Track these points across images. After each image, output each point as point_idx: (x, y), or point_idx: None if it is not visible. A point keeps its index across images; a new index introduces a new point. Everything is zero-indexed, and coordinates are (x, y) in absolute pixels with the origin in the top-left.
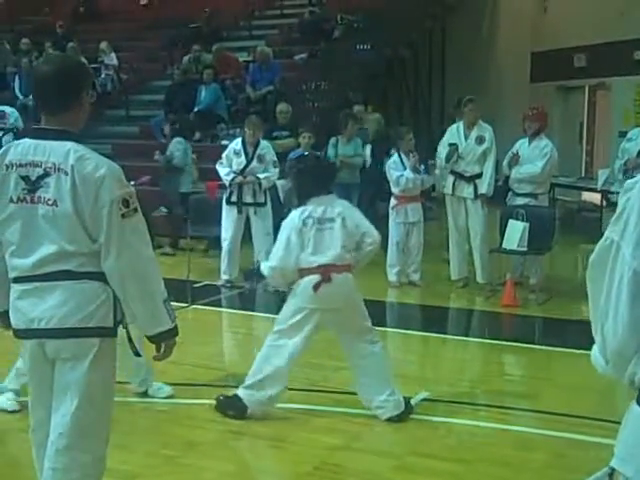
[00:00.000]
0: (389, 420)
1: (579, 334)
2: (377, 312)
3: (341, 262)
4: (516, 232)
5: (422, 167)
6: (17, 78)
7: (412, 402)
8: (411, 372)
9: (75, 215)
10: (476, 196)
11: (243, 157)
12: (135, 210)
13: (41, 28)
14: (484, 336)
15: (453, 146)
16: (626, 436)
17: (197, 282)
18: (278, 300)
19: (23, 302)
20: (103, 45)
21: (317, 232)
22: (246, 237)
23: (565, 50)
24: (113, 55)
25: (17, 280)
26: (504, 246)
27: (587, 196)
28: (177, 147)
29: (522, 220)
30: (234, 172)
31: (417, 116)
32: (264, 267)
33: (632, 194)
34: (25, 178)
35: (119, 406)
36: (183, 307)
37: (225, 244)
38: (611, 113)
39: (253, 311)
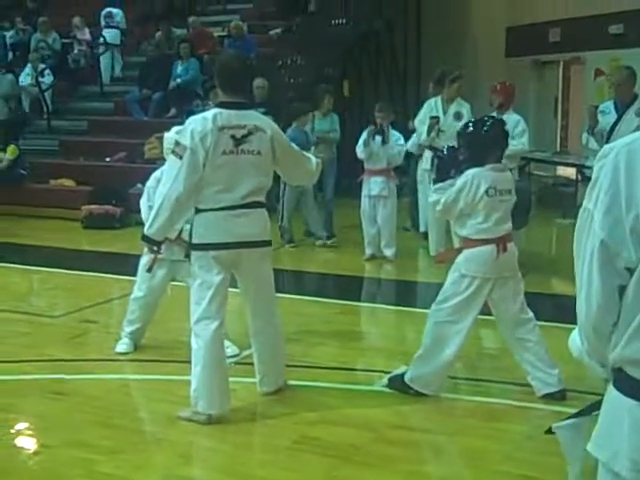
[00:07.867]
0: (549, 396)
1: (553, 308)
2: (350, 287)
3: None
4: None
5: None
6: None
7: (389, 377)
8: (392, 346)
9: (272, 158)
10: None
11: None
12: None
13: (11, 2)
14: None
15: (434, 119)
16: (602, 421)
17: None
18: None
19: (231, 224)
20: (76, 20)
21: (499, 203)
22: None
23: (540, 25)
24: (86, 30)
25: (224, 208)
26: None
27: (562, 171)
28: None
29: None
30: None
31: (392, 90)
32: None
33: (606, 161)
34: (233, 137)
35: (95, 383)
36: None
37: None
38: (585, 88)
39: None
